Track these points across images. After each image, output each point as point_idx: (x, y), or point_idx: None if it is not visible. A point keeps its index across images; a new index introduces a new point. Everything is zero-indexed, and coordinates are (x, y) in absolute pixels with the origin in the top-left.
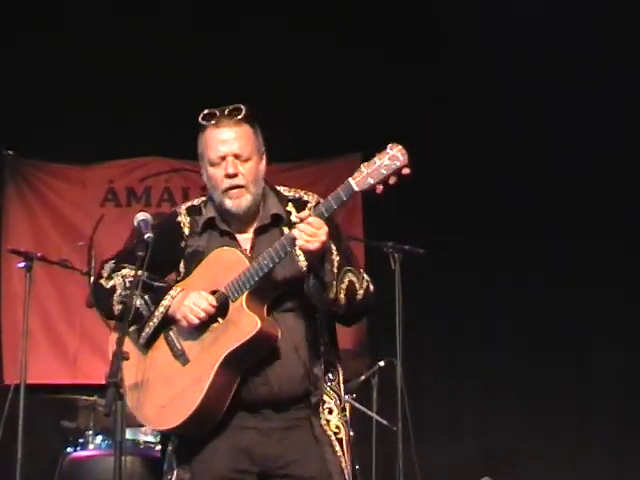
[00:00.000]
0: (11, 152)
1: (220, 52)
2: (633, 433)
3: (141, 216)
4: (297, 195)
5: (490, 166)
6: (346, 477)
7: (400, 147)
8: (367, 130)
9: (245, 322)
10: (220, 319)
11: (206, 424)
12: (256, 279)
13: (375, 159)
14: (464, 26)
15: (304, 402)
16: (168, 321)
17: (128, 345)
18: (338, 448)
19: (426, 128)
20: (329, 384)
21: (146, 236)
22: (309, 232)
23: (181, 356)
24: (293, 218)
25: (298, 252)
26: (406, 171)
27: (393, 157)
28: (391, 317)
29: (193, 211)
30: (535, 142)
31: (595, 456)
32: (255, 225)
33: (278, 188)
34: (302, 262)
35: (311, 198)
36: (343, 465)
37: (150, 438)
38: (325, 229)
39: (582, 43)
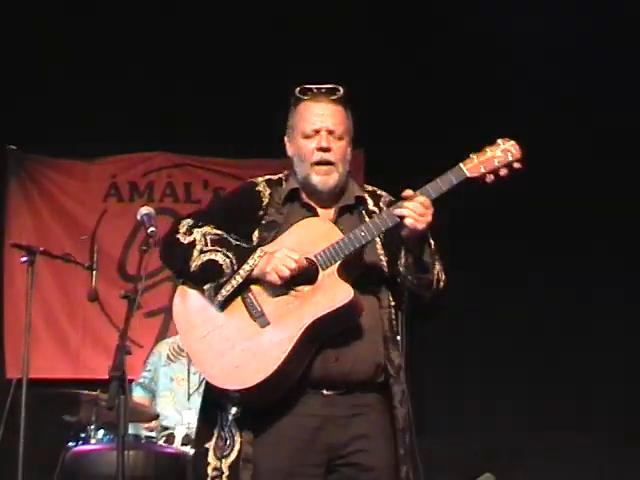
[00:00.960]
0: (14, 147)
1: (222, 49)
2: (635, 431)
3: (144, 210)
4: (370, 188)
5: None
6: (411, 470)
7: (513, 142)
8: (369, 127)
9: (338, 289)
10: (306, 287)
11: (276, 392)
12: (351, 249)
13: (487, 149)
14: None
15: (373, 387)
16: (249, 282)
17: (199, 299)
18: (407, 439)
19: (428, 125)
20: (401, 372)
21: (149, 230)
22: (419, 211)
23: (260, 317)
24: (370, 207)
25: (377, 240)
26: (518, 165)
27: (506, 150)
28: None
29: (273, 183)
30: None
31: (596, 453)
32: (339, 204)
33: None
34: (380, 250)
35: (384, 193)
36: (408, 456)
37: (152, 433)
38: (432, 210)
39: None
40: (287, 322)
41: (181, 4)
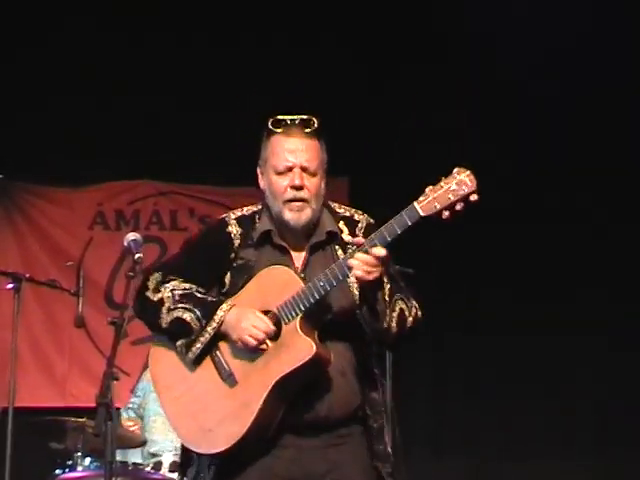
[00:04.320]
0: (0, 175)
1: (209, 78)
2: (617, 448)
3: (131, 236)
4: (348, 213)
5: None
6: None
7: (468, 172)
8: (354, 154)
9: (300, 346)
10: (271, 341)
11: (251, 448)
12: (311, 301)
13: (441, 183)
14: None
15: (352, 422)
16: (217, 338)
17: (172, 357)
18: (388, 469)
19: (412, 151)
20: (378, 408)
21: (136, 256)
22: (371, 263)
23: (229, 378)
24: (345, 237)
25: (351, 279)
26: (474, 197)
27: (461, 182)
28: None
29: (245, 221)
30: None
31: (580, 474)
32: (310, 242)
33: (330, 204)
34: (354, 290)
35: (361, 217)
36: None
37: (139, 459)
38: (382, 263)
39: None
40: (253, 382)
41: (165, 36)
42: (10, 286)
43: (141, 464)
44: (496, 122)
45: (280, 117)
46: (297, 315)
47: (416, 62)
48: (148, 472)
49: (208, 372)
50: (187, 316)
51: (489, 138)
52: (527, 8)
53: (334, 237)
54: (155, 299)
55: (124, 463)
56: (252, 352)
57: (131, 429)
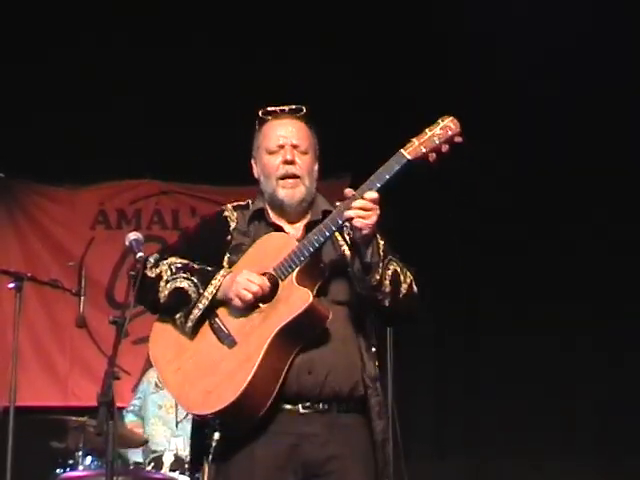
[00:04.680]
0: (2, 174)
1: (209, 71)
2: (620, 447)
3: (133, 235)
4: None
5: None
6: None
7: (452, 117)
8: (357, 151)
9: (296, 296)
10: (268, 301)
11: (254, 410)
12: (306, 254)
13: (426, 130)
14: (460, 44)
15: (351, 403)
16: (215, 304)
17: (171, 333)
18: (387, 450)
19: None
20: (377, 384)
21: (138, 255)
22: (367, 207)
23: (227, 339)
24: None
25: (340, 239)
26: (459, 139)
27: (445, 127)
28: (382, 338)
29: (240, 207)
30: None
31: (580, 474)
32: (306, 220)
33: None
34: (344, 248)
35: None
36: (388, 468)
37: (139, 458)
38: (377, 205)
39: None
40: (252, 339)
41: (165, 36)
42: (12, 285)
43: (142, 463)
44: (496, 122)
45: (270, 108)
46: (293, 271)
47: (416, 62)
48: (149, 471)
49: (208, 339)
50: (185, 284)
51: (489, 138)
52: (527, 8)
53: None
54: (153, 275)
55: (124, 462)
56: (249, 310)
57: (135, 430)
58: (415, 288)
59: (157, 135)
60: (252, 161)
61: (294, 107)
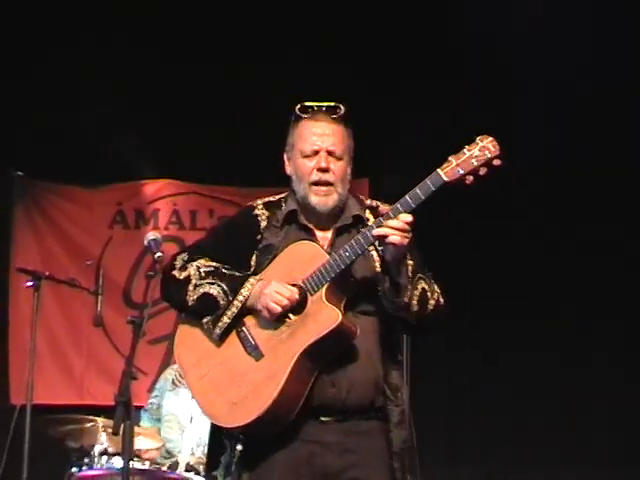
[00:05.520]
0: (21, 173)
1: (228, 79)
2: (633, 464)
3: (151, 235)
4: (374, 204)
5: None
6: None
7: (491, 138)
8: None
9: (325, 315)
10: (297, 314)
11: (278, 424)
12: (337, 271)
13: (464, 150)
14: (473, 46)
15: (371, 412)
16: (243, 313)
17: (197, 336)
18: (406, 461)
19: (429, 152)
20: (398, 394)
21: (156, 255)
22: (401, 228)
23: (254, 351)
24: (370, 225)
25: (373, 253)
26: (497, 162)
27: (484, 148)
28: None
29: (271, 205)
30: None
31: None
32: (337, 225)
33: (358, 195)
34: (376, 262)
35: (387, 207)
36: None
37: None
38: (411, 224)
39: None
40: (279, 353)
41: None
42: (29, 284)
43: (157, 463)
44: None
45: (307, 104)
46: (323, 286)
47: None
48: (164, 472)
49: (234, 348)
50: (214, 291)
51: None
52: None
53: (360, 221)
54: (181, 277)
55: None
56: (277, 322)
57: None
58: (442, 301)
59: (176, 136)
60: (285, 155)
61: (332, 105)
